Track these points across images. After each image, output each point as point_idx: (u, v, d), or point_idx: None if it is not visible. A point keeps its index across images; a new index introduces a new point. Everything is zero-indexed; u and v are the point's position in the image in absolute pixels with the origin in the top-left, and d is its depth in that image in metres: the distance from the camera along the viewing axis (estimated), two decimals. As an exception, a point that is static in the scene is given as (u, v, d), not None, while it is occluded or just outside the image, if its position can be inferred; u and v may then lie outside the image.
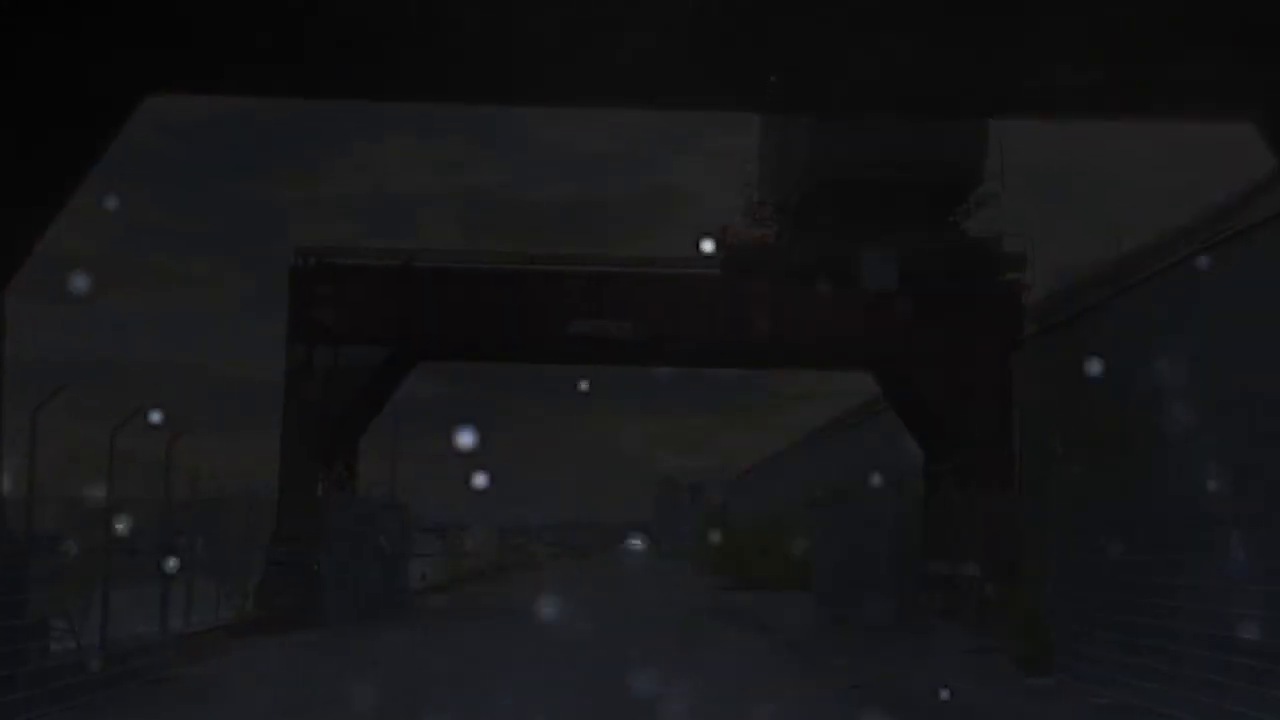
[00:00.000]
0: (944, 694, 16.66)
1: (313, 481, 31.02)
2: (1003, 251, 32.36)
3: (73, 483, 18.08)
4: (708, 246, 33.25)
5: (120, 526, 18.84)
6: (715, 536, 66.85)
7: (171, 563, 22.29)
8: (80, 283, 20.57)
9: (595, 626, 29.41)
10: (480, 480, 43.68)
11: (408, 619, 31.84)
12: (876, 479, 37.68)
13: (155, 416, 18.68)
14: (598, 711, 16.27)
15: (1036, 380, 31.68)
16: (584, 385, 47.56)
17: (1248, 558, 14.43)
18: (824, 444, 62.97)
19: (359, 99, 16.95)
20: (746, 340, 32.97)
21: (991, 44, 14.24)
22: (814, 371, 50.52)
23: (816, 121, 31.34)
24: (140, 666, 17.18)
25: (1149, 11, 13.28)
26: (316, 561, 29.35)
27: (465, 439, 36.30)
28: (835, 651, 24.57)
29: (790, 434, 77.09)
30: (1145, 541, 16.96)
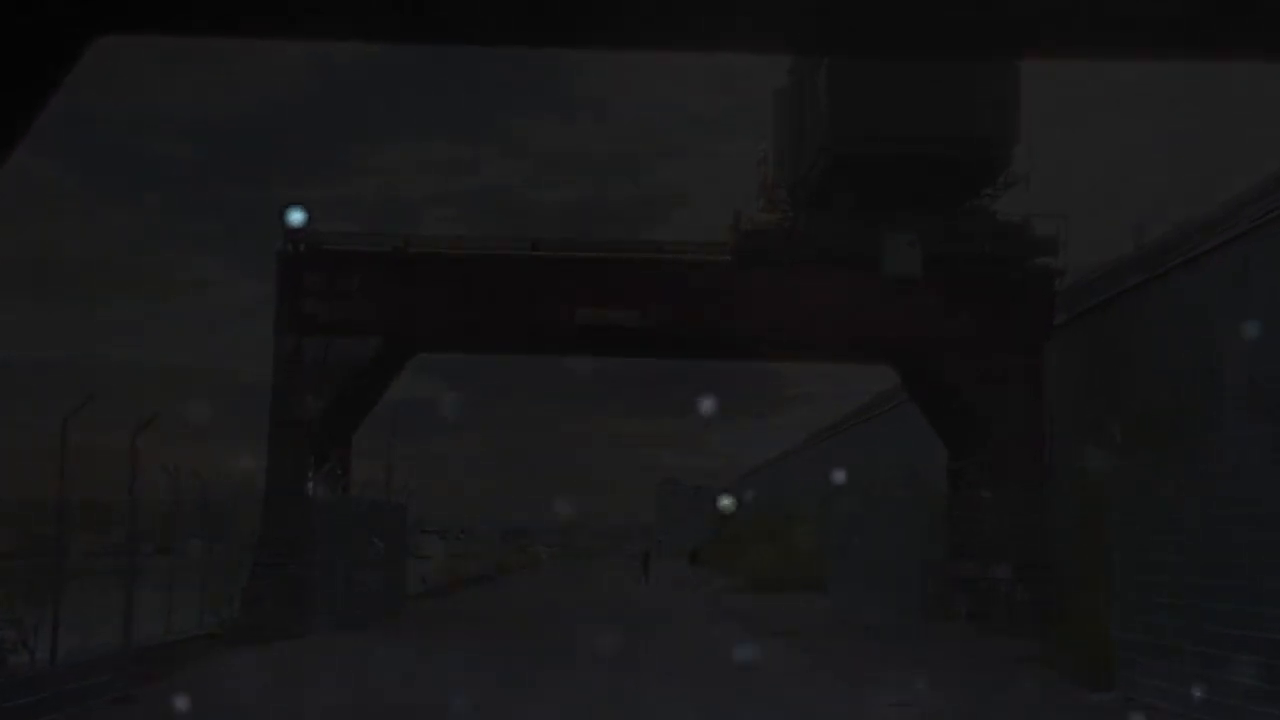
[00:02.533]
0: None
1: (302, 480, 29.21)
2: (1033, 234, 30.53)
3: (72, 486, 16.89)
4: None
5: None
6: (723, 537, 65.33)
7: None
8: (81, 285, 19.05)
9: (603, 637, 27.56)
10: None
11: (401, 627, 29.96)
12: (896, 477, 36.01)
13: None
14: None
15: (1076, 367, 29.96)
16: (586, 385, 45.98)
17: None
18: (830, 444, 61.41)
19: (345, 39, 14.87)
20: (760, 330, 31.15)
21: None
22: (819, 365, 49.01)
23: (838, 92, 29.55)
24: (98, 684, 15.37)
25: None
26: (305, 565, 27.50)
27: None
28: (865, 661, 22.67)
29: (793, 434, 75.66)
30: (1218, 540, 15.21)
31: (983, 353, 29.82)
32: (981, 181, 31.13)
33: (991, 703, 16.68)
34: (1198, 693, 15.16)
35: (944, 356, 30.44)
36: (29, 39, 13.63)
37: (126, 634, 16.40)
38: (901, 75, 29.26)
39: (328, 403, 30.64)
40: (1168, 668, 15.85)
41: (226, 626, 25.47)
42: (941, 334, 30.10)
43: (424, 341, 32.61)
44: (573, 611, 35.79)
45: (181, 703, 15.86)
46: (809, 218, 32.22)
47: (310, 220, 31.07)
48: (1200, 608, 15.31)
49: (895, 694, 17.16)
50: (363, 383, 31.46)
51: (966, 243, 30.25)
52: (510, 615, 34.61)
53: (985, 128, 29.68)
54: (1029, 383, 29.95)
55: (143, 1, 14.16)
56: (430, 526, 75.37)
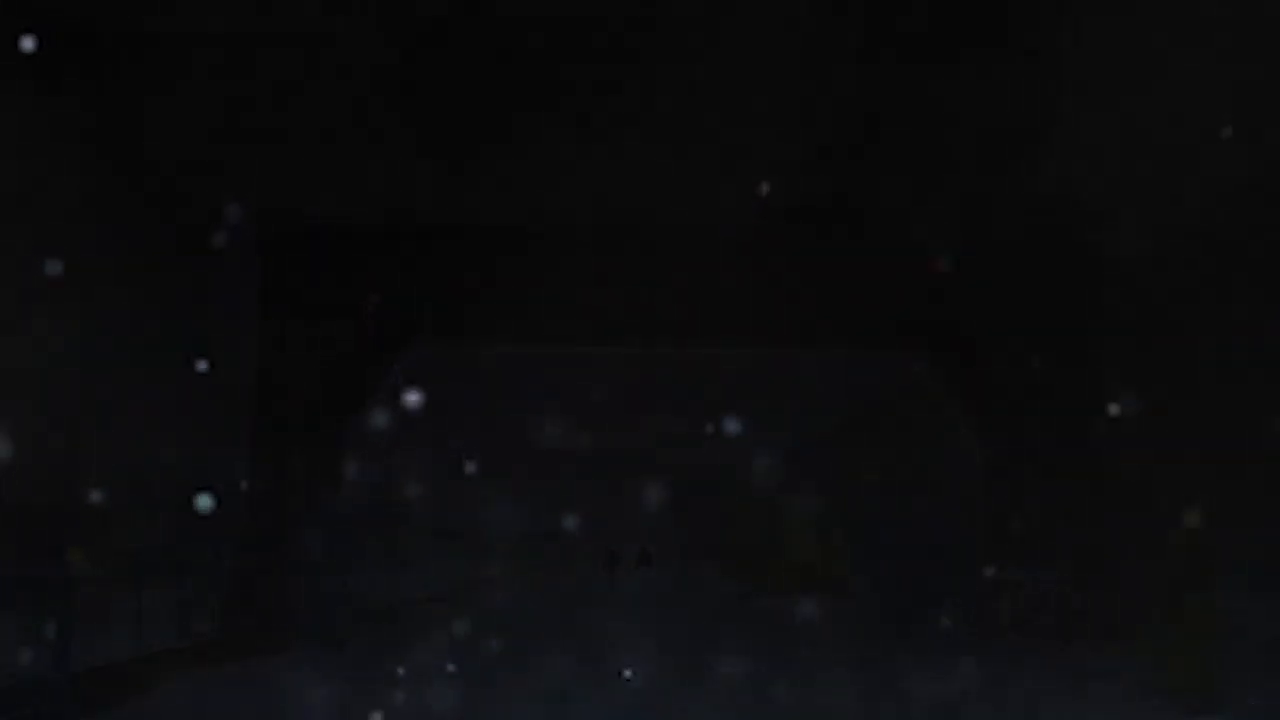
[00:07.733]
0: None
1: (286, 480, 26.83)
2: (1082, 206, 28.07)
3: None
4: None
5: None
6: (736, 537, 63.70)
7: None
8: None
9: (619, 642, 25.25)
10: None
11: (395, 637, 27.55)
12: (924, 471, 33.84)
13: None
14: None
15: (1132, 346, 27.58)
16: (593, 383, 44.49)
17: None
18: (840, 442, 59.26)
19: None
20: (778, 314, 28.77)
21: None
22: (829, 360, 46.71)
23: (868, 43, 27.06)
24: (25, 716, 12.94)
25: None
26: (288, 572, 25.09)
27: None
28: (911, 674, 20.16)
29: (799, 431, 73.13)
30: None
31: (1023, 334, 27.48)
32: (1025, 147, 28.65)
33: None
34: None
35: (980, 339, 28.04)
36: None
37: (58, 655, 13.95)
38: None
39: (315, 394, 28.37)
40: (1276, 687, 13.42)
41: (199, 641, 23.07)
42: (978, 315, 27.73)
43: (420, 327, 30.22)
44: (586, 617, 33.42)
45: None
46: (834, 186, 29.82)
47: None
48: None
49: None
50: (355, 372, 29.10)
51: (1009, 214, 27.91)
52: (516, 624, 32.24)
53: (1028, 86, 27.18)
54: (1075, 365, 27.56)
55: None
56: (441, 529, 73.52)
